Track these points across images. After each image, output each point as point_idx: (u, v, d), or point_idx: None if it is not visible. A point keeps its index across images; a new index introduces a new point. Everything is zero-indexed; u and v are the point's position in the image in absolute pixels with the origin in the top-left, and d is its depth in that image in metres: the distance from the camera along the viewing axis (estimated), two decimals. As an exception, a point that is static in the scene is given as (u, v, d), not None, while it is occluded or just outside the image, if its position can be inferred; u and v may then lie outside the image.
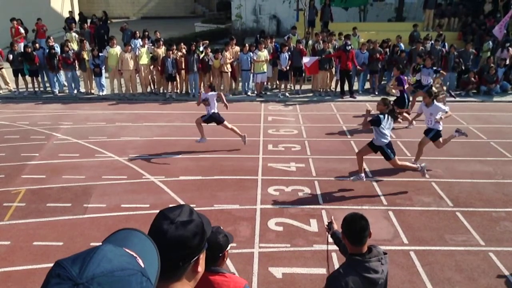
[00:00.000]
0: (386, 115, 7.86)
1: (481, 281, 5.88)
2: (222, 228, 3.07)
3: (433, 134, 9.12)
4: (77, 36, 17.69)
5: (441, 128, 9.12)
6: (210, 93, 9.88)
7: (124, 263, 1.02)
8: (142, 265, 1.09)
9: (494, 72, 15.01)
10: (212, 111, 9.96)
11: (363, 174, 8.36)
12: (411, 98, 12.50)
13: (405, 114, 11.95)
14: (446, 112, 9.02)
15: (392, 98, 10.92)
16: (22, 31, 17.86)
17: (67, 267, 0.98)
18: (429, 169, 8.52)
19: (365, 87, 15.83)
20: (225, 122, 10.13)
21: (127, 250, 1.09)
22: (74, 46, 16.35)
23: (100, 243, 1.10)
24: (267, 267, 6.11)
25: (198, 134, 10.35)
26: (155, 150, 10.33)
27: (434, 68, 12.74)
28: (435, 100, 9.09)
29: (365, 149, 8.35)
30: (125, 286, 0.98)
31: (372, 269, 3.18)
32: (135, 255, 1.10)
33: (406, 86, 11.80)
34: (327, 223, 4.13)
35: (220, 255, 2.96)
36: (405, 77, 12.07)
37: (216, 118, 10.07)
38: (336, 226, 3.96)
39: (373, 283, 3.18)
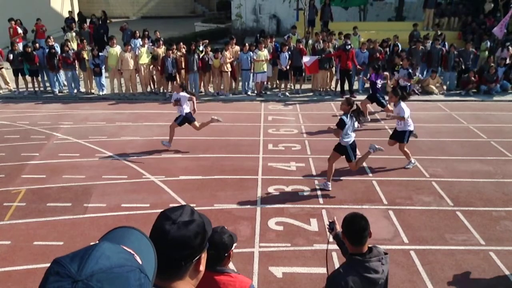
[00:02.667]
0: (349, 115, 7.83)
1: (481, 281, 5.88)
2: (226, 228, 3.08)
3: (407, 137, 9.08)
4: (75, 35, 17.68)
5: (412, 128, 9.10)
6: (182, 93, 9.84)
7: (122, 259, 1.02)
8: (140, 262, 1.09)
9: (494, 71, 15.00)
10: (185, 111, 9.93)
11: (330, 183, 8.32)
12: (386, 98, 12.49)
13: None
14: (402, 117, 8.87)
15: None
16: (20, 31, 17.82)
17: (66, 265, 0.98)
18: (380, 148, 8.34)
19: (365, 86, 15.81)
20: (195, 122, 10.11)
21: (124, 248, 1.09)
22: (74, 46, 16.34)
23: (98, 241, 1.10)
24: (268, 267, 6.11)
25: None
26: (155, 150, 10.33)
27: (410, 70, 12.70)
28: (401, 101, 9.03)
29: (333, 155, 8.30)
30: (124, 282, 0.98)
31: (372, 269, 3.17)
32: (132, 252, 1.10)
33: (379, 85, 11.88)
34: (328, 223, 4.10)
35: (226, 255, 2.97)
36: (384, 73, 12.33)
37: (188, 118, 10.05)
38: (339, 227, 3.94)
39: (373, 283, 3.18)
